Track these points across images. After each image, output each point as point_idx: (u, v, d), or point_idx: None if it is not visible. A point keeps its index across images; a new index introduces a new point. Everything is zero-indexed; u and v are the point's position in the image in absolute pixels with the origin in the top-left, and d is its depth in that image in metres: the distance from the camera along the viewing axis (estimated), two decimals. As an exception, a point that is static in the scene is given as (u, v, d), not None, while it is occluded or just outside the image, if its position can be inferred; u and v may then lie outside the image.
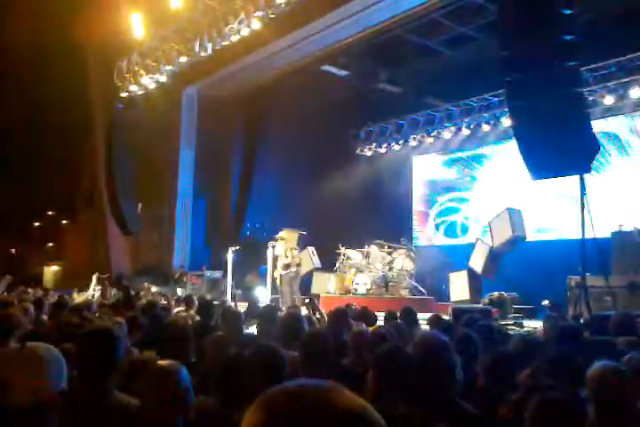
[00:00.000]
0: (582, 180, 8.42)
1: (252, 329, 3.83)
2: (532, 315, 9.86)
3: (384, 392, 2.49)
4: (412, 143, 16.91)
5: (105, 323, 2.69)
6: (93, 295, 11.16)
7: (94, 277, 11.58)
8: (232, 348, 2.85)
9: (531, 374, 3.16)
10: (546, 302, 9.14)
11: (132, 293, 8.11)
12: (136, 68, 14.92)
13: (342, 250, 13.42)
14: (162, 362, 2.29)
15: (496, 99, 14.40)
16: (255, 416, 0.85)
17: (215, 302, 6.81)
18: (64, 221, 23.79)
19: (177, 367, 2.21)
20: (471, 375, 3.16)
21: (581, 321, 6.46)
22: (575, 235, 8.90)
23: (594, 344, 4.57)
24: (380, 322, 6.42)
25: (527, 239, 11.32)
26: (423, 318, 6.80)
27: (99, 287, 11.75)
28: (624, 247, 9.46)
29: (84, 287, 12.19)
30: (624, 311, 5.49)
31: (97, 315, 4.87)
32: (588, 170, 8.29)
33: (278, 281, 11.74)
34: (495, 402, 2.88)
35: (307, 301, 7.48)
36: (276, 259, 11.95)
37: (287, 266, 11.62)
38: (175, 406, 2.10)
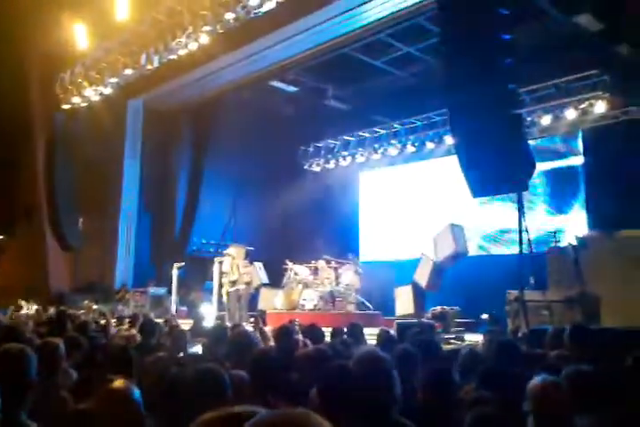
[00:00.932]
0: (520, 197, 8.77)
1: (197, 348, 3.79)
2: (473, 328, 10.09)
3: (328, 411, 2.51)
4: (360, 159, 17.17)
5: (17, 346, 2.56)
6: (27, 315, 10.72)
7: (23, 303, 11.13)
8: (174, 368, 2.82)
9: (471, 389, 3.24)
10: (485, 316, 9.40)
11: (68, 313, 7.85)
12: (79, 80, 14.61)
13: (290, 265, 13.42)
14: (116, 382, 2.26)
15: (439, 118, 14.82)
16: None
17: (157, 320, 6.69)
18: (0, 236, 22.81)
19: (129, 385, 2.18)
20: (411, 391, 3.21)
21: (519, 335, 6.66)
22: (514, 250, 9.19)
23: (530, 357, 4.73)
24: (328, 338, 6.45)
25: (469, 254, 11.63)
26: (371, 333, 6.87)
27: (34, 306, 11.30)
28: (559, 263, 9.83)
29: (20, 306, 11.72)
30: (558, 326, 5.70)
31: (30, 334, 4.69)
32: (526, 188, 8.62)
33: (225, 298, 11.61)
34: (434, 417, 2.94)
35: (251, 319, 7.43)
36: (222, 275, 11.83)
37: (234, 282, 11.52)
38: (130, 424, 2.07)
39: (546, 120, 13.36)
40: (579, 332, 4.61)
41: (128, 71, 13.65)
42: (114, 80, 14.10)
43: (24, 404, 2.28)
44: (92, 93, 14.65)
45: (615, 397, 2.76)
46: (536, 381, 2.70)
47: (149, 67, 13.24)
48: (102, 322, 7.56)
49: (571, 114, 12.92)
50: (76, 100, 14.96)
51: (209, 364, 2.52)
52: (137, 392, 2.15)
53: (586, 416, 2.59)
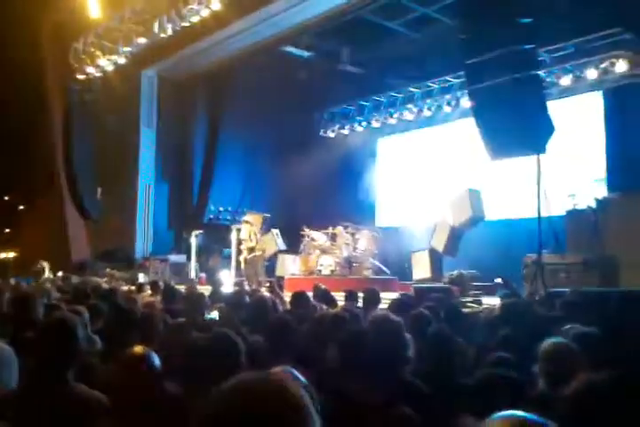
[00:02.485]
0: (538, 160, 8.65)
1: (215, 313, 3.88)
2: (490, 292, 10.13)
3: (342, 377, 2.58)
4: (375, 124, 17.00)
5: (62, 313, 2.69)
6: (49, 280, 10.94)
7: (46, 265, 11.30)
8: (193, 333, 2.90)
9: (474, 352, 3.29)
10: (498, 280, 9.42)
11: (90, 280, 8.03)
12: (92, 50, 14.54)
13: (307, 232, 13.49)
14: (133, 348, 2.34)
15: (457, 80, 14.55)
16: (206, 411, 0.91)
17: (178, 287, 6.83)
18: (21, 207, 23.19)
19: (148, 353, 2.26)
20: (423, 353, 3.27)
21: (536, 298, 6.70)
22: (532, 213, 9.12)
23: (547, 320, 4.77)
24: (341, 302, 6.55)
25: (486, 218, 11.58)
26: (387, 297, 6.95)
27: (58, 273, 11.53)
28: (578, 225, 9.77)
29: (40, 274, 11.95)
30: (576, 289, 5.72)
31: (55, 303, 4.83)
32: (544, 150, 8.50)
33: (243, 264, 11.76)
34: (440, 378, 3.00)
35: (267, 284, 7.54)
36: (240, 242, 11.95)
37: (251, 249, 11.65)
38: (147, 391, 2.15)
39: (565, 80, 13.05)
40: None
41: (141, 40, 13.55)
42: (127, 49, 14.01)
43: (72, 365, 2.40)
44: (106, 63, 14.59)
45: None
46: (547, 343, 2.73)
47: (162, 35, 13.13)
48: (124, 288, 7.73)
49: (591, 74, 12.60)
50: (90, 70, 14.91)
51: (221, 329, 2.58)
52: (155, 359, 2.22)
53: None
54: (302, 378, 1.56)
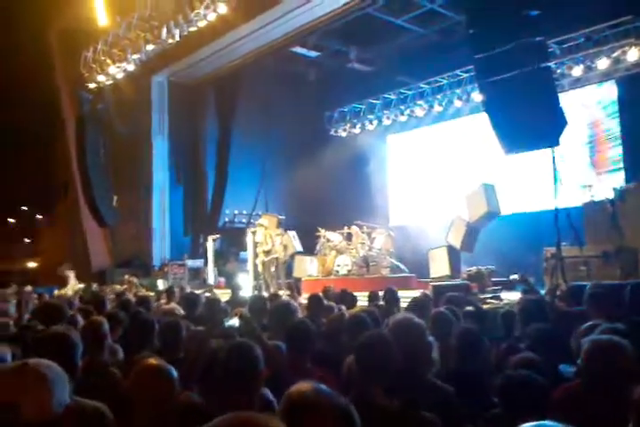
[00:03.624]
0: (553, 153, 8.56)
1: (235, 320, 3.88)
2: (510, 287, 10.04)
3: (362, 380, 2.56)
4: (386, 122, 16.95)
5: (62, 328, 2.68)
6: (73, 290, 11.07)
7: (71, 273, 11.43)
8: (212, 342, 2.90)
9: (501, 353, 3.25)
10: (515, 276, 9.32)
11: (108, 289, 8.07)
12: (102, 58, 14.65)
13: (322, 232, 13.46)
14: (152, 360, 2.34)
15: (467, 74, 14.45)
16: None
17: (197, 293, 6.84)
18: (39, 217, 23.45)
19: (166, 366, 2.27)
20: (447, 353, 3.25)
21: (558, 293, 6.60)
22: (549, 206, 9.04)
23: (569, 315, 4.70)
24: (363, 302, 6.54)
25: (502, 213, 11.48)
26: (406, 295, 6.93)
27: (79, 285, 11.65)
28: (596, 217, 9.65)
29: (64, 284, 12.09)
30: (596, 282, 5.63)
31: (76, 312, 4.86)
32: (557, 143, 8.41)
33: (260, 267, 11.78)
34: (469, 379, 2.97)
35: (284, 290, 7.51)
36: (256, 245, 11.97)
37: (268, 252, 11.66)
38: (164, 403, 2.16)
39: (577, 71, 12.90)
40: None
41: (150, 47, 13.63)
42: (136, 56, 14.10)
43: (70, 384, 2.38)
44: (116, 71, 14.70)
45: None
46: (589, 340, 2.54)
47: (170, 41, 13.21)
48: (141, 294, 7.74)
49: (603, 63, 12.44)
50: (100, 78, 15.03)
51: (241, 340, 2.57)
52: (172, 371, 2.22)
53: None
54: (329, 393, 1.55)
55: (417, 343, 2.73)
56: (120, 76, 14.91)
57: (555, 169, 8.40)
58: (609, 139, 13.04)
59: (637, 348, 2.46)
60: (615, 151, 12.97)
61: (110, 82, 15.19)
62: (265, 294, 8.67)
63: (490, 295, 9.02)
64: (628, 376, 2.30)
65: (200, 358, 2.61)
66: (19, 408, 1.88)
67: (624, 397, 2.18)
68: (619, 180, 12.38)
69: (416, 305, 4.89)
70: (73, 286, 10.81)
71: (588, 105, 13.48)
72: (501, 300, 8.68)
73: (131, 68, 14.57)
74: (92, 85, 15.34)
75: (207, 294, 7.46)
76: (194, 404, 2.28)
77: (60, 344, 2.44)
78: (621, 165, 12.79)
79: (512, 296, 8.56)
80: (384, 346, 2.72)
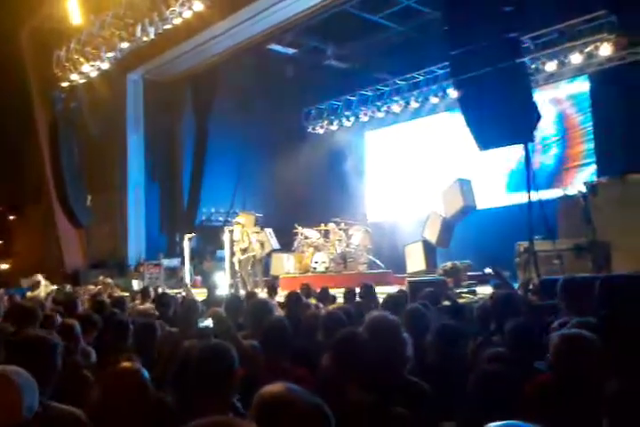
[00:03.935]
0: (527, 148, 8.66)
1: (210, 321, 3.85)
2: (485, 281, 10.15)
3: (338, 377, 2.57)
4: (363, 119, 16.99)
5: (38, 331, 2.63)
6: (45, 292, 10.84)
7: (39, 277, 11.17)
8: (185, 343, 2.87)
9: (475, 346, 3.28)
10: (488, 270, 9.42)
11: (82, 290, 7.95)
12: (75, 57, 14.40)
13: (299, 229, 13.47)
14: (124, 363, 2.32)
15: (442, 71, 14.53)
16: None
17: (171, 293, 6.78)
18: (11, 217, 23.03)
19: (139, 368, 2.24)
20: (422, 349, 3.27)
21: (530, 287, 6.68)
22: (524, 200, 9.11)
23: (541, 309, 4.76)
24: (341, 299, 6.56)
25: (477, 208, 11.59)
26: (383, 291, 6.96)
27: (52, 286, 11.40)
28: (569, 211, 9.79)
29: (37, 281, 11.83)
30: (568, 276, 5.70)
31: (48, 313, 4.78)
32: (532, 139, 8.52)
33: (237, 265, 11.73)
34: (445, 374, 3.00)
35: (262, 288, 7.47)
36: (233, 243, 11.92)
37: (245, 250, 11.62)
38: (137, 406, 2.13)
39: (551, 66, 13.04)
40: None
41: (124, 45, 13.43)
42: (111, 54, 13.87)
43: (48, 389, 2.34)
44: (90, 69, 14.45)
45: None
46: (557, 335, 2.55)
47: (145, 38, 13.02)
48: (116, 295, 7.66)
49: (576, 58, 12.60)
50: (74, 77, 14.77)
51: (214, 340, 2.56)
52: (144, 373, 2.20)
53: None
54: (302, 392, 1.55)
55: (392, 340, 2.74)
56: (94, 74, 14.66)
57: (528, 164, 8.50)
58: (581, 133, 13.23)
59: (606, 341, 2.50)
60: (587, 146, 13.16)
61: (84, 81, 14.95)
62: (242, 292, 8.65)
63: (465, 290, 9.11)
64: (597, 370, 2.34)
65: (173, 360, 2.59)
66: None
67: (594, 390, 2.22)
68: (590, 174, 12.57)
69: (391, 302, 4.92)
70: (45, 287, 10.60)
71: (560, 100, 13.65)
72: (476, 294, 8.77)
73: (105, 66, 14.34)
74: (65, 84, 15.08)
75: (183, 294, 7.41)
76: (167, 406, 2.27)
77: (40, 348, 2.40)
78: (593, 158, 12.98)
79: (487, 290, 8.64)
80: (359, 343, 2.73)
